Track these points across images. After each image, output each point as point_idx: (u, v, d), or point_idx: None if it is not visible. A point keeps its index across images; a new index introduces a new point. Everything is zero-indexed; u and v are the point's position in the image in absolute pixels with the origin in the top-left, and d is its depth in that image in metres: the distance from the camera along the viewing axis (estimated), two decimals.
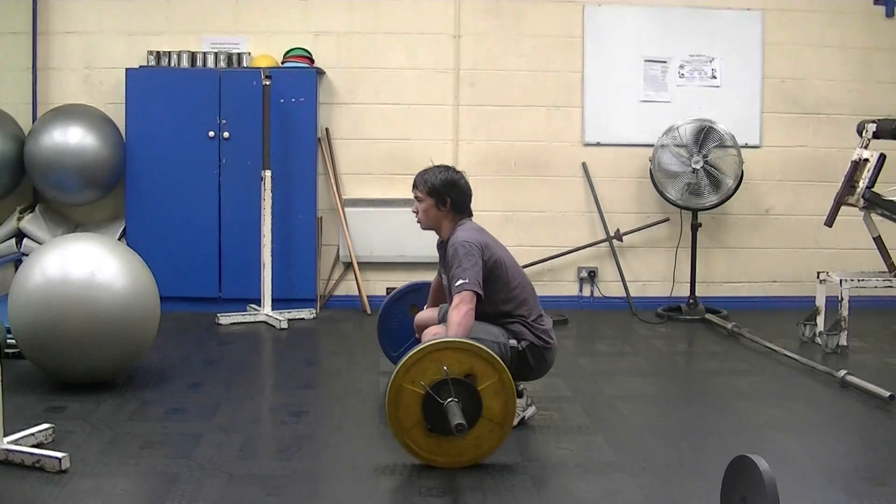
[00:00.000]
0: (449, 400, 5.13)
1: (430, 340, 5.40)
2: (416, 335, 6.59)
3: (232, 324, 9.02)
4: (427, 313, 6.61)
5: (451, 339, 5.36)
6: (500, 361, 5.29)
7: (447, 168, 6.21)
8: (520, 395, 6.03)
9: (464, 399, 5.16)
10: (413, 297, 7.15)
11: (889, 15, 10.32)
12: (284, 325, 8.90)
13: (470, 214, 6.26)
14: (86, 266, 6.48)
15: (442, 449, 5.28)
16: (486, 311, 5.90)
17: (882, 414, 6.45)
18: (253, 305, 9.29)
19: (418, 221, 6.29)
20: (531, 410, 6.17)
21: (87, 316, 6.35)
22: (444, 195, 6.09)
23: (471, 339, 5.48)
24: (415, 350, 5.26)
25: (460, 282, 5.78)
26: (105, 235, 8.61)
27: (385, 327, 7.21)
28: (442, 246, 6.28)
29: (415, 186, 6.22)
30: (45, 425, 5.54)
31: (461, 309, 5.67)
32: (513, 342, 5.98)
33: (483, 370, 5.23)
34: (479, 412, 5.21)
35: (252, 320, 9.12)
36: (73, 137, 9.17)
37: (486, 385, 5.21)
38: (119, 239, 9.29)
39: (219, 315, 9.08)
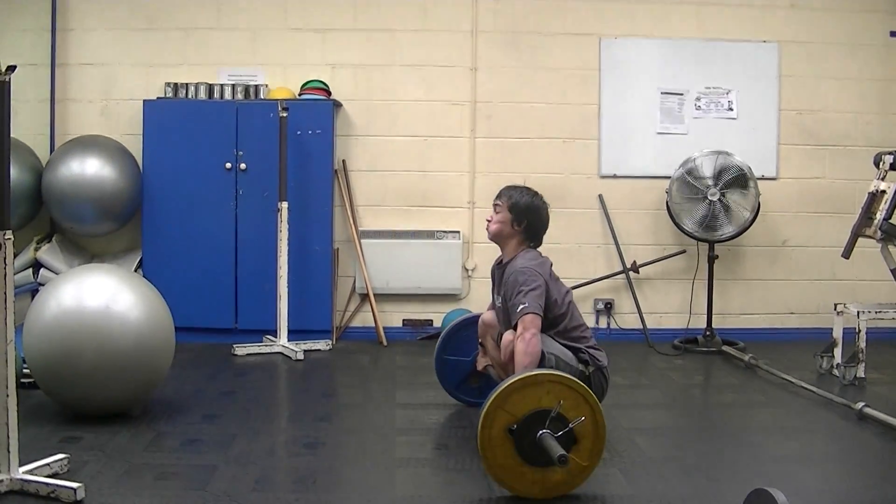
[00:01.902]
0: (542, 432, 5.17)
1: (520, 374, 5.40)
2: (480, 340, 6.75)
3: (248, 355, 9.02)
4: (489, 315, 6.69)
5: (543, 372, 5.42)
6: (594, 396, 5.34)
7: (536, 193, 6.33)
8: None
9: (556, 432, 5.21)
10: (467, 331, 7.17)
11: None
12: (300, 356, 8.89)
13: (538, 244, 6.37)
14: (101, 297, 6.49)
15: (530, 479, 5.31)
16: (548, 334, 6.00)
17: None
18: (269, 336, 9.29)
19: (487, 228, 6.40)
20: None
21: (101, 347, 6.35)
22: (523, 217, 6.22)
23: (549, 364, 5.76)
24: (506, 383, 5.28)
25: (522, 307, 5.86)
26: (121, 266, 8.64)
27: (443, 358, 7.21)
28: (499, 268, 6.38)
29: (499, 196, 6.35)
30: (61, 455, 5.54)
31: (526, 336, 5.77)
32: (581, 367, 6.08)
33: (574, 402, 5.27)
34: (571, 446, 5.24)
35: (268, 351, 9.11)
36: (91, 168, 9.21)
37: (578, 421, 5.25)
38: (136, 270, 9.32)
39: (235, 346, 9.08)
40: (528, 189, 6.36)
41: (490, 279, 6.62)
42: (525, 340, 5.73)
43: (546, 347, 5.89)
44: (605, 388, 6.25)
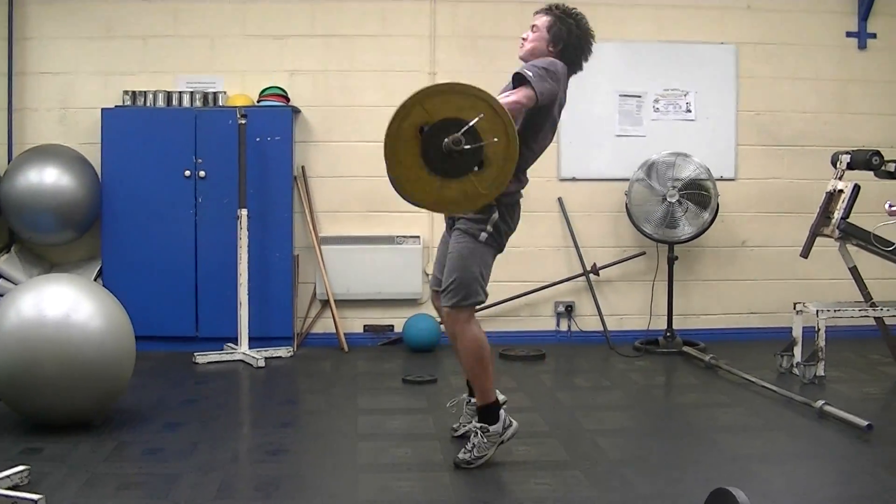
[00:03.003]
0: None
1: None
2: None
3: (209, 363, 8.99)
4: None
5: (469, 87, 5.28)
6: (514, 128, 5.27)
7: (579, 15, 6.10)
8: (496, 418, 6.02)
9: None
10: None
11: (862, 47, 10.40)
12: (262, 363, 8.87)
13: (574, 72, 6.18)
14: (61, 307, 6.46)
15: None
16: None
17: (860, 444, 6.46)
18: (230, 344, 9.27)
19: (521, 47, 6.18)
20: (512, 429, 6.13)
21: (62, 357, 6.32)
22: (561, 39, 6.01)
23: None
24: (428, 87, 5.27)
25: (528, 74, 5.73)
26: (81, 276, 8.61)
27: None
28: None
29: (537, 13, 6.14)
30: (21, 467, 5.51)
31: (512, 96, 5.63)
32: (482, 235, 5.94)
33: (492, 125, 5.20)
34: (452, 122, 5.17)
35: (229, 359, 9.08)
36: (49, 178, 9.16)
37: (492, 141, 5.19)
38: (95, 279, 9.28)
39: (196, 354, 9.04)
40: (570, 10, 6.10)
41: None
42: (508, 99, 5.57)
43: (458, 280, 5.88)
44: (510, 225, 6.11)
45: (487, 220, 5.90)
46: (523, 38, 6.17)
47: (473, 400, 6.26)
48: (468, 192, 5.25)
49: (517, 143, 5.30)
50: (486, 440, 5.94)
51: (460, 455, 5.94)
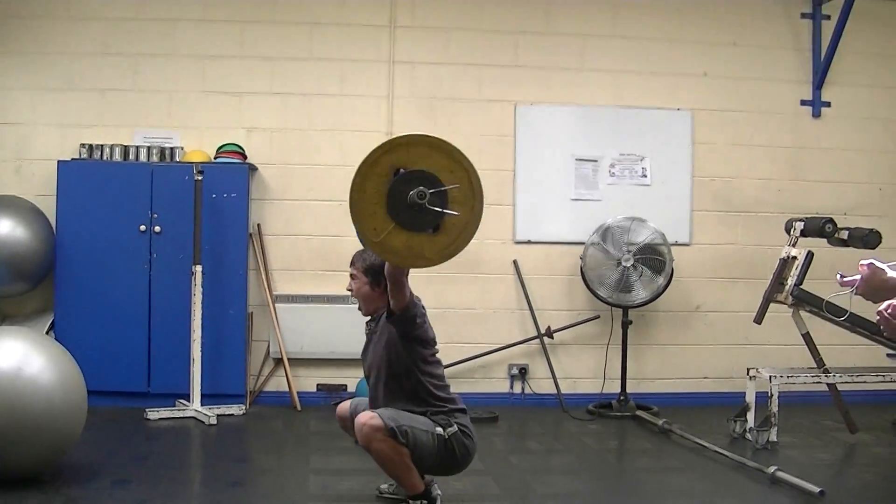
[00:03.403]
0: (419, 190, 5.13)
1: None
2: (341, 425, 6.56)
3: (160, 419, 8.91)
4: (345, 405, 6.57)
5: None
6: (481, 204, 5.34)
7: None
8: (433, 500, 5.99)
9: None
10: None
11: (816, 115, 10.53)
12: (214, 420, 8.81)
13: None
14: (11, 360, 6.38)
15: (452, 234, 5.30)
16: (413, 388, 5.97)
17: None
18: (182, 401, 9.19)
19: (352, 299, 6.35)
20: None
21: (12, 411, 6.23)
22: (380, 276, 6.03)
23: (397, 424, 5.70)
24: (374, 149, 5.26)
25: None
26: (33, 329, 8.52)
27: None
28: (372, 322, 6.29)
29: (352, 263, 6.25)
30: None
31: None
32: (439, 430, 5.93)
33: (397, 157, 5.26)
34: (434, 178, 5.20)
35: (181, 416, 9.01)
36: (3, 229, 9.09)
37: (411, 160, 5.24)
38: (48, 332, 9.20)
39: (147, 410, 8.97)
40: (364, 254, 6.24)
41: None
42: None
43: (398, 421, 5.80)
44: (469, 448, 6.09)
45: (446, 427, 5.98)
46: (349, 290, 6.34)
47: None
48: (413, 249, 5.27)
49: (477, 225, 5.36)
50: None
51: None
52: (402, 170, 5.16)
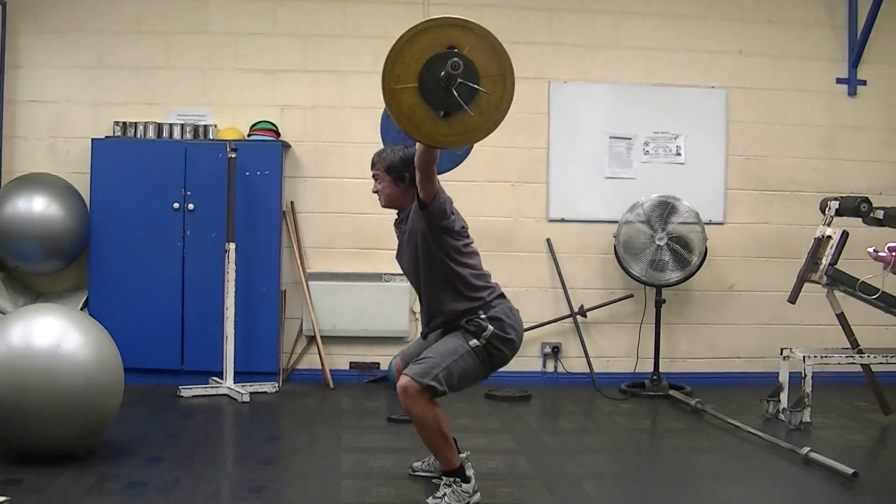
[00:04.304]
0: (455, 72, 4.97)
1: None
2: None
3: (194, 396, 8.94)
4: (398, 361, 6.53)
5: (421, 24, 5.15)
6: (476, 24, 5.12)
7: (405, 147, 6.15)
8: (468, 479, 5.97)
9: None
10: None
11: (851, 94, 10.45)
12: (246, 398, 8.83)
13: None
14: (50, 337, 6.41)
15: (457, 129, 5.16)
16: (450, 280, 5.98)
17: (845, 491, 6.42)
18: (215, 378, 9.21)
19: (379, 200, 6.26)
20: (477, 497, 6.07)
21: (50, 388, 6.26)
22: (402, 171, 6.06)
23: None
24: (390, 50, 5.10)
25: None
26: (68, 306, 8.55)
27: None
28: (401, 222, 6.26)
29: (373, 165, 6.23)
30: (1, 498, 5.46)
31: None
32: (473, 342, 5.95)
33: (461, 37, 5.07)
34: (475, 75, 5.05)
35: (214, 393, 9.04)
36: (37, 207, 9.14)
37: (470, 47, 5.05)
38: (81, 309, 9.23)
39: (181, 387, 9.00)
40: (395, 147, 6.24)
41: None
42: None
43: (430, 369, 5.79)
44: (505, 353, 6.11)
45: (481, 333, 5.94)
46: (375, 192, 6.27)
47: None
48: (415, 117, 5.08)
49: (477, 139, 5.30)
50: (456, 494, 5.90)
51: (430, 501, 5.89)
52: (456, 49, 5.07)
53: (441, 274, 5.98)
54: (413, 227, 6.01)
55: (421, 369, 5.79)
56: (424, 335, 6.31)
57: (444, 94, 4.97)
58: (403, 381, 5.79)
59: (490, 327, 5.95)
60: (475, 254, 6.18)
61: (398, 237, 6.32)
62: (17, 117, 9.80)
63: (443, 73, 4.92)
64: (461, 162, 6.77)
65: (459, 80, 4.91)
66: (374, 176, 6.22)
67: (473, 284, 6.02)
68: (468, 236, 6.15)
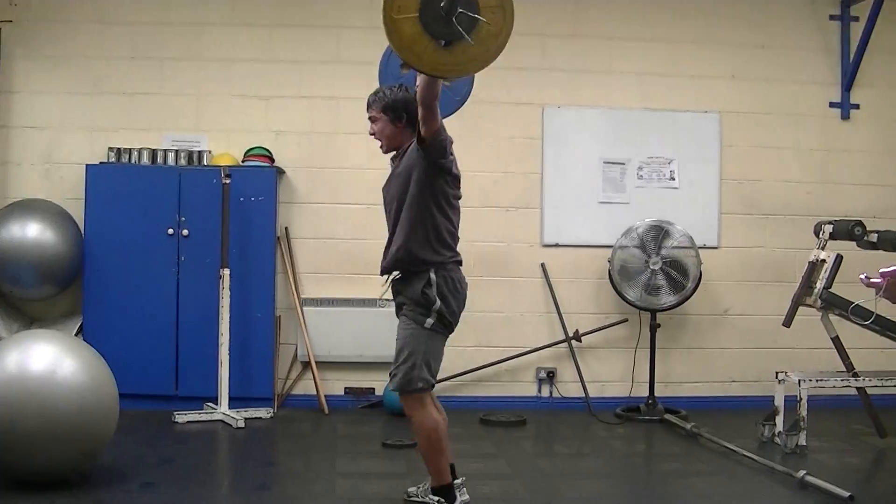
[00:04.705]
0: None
1: None
2: None
3: (188, 422, 8.93)
4: None
5: None
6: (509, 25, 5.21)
7: (401, 87, 6.17)
8: (453, 498, 5.99)
9: None
10: None
11: (844, 117, 10.48)
12: (241, 424, 8.81)
13: None
14: (45, 363, 6.40)
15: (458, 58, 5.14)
16: (425, 227, 5.99)
17: None
18: (210, 404, 9.20)
19: (381, 146, 6.29)
20: None
21: (44, 413, 6.25)
22: (400, 111, 6.08)
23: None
24: None
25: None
26: (63, 332, 8.54)
27: None
28: (396, 157, 6.26)
29: (369, 106, 6.24)
30: None
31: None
32: (428, 321, 5.99)
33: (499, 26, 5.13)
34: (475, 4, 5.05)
35: (209, 419, 9.02)
36: (32, 232, 9.14)
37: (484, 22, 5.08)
38: (76, 335, 9.22)
39: (175, 413, 8.99)
40: (391, 86, 6.24)
41: None
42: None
43: (408, 370, 5.93)
44: (454, 322, 6.12)
45: (430, 309, 5.96)
46: (371, 133, 6.29)
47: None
48: (415, 47, 5.05)
49: (479, 68, 5.30)
50: None
51: None
52: None
53: (419, 216, 5.98)
54: (408, 164, 6.02)
55: (403, 380, 5.93)
56: (382, 270, 6.29)
57: (445, 23, 4.99)
58: (403, 401, 6.03)
59: (437, 301, 5.96)
60: (458, 211, 6.18)
61: (392, 169, 6.32)
62: (11, 143, 9.81)
63: (443, 3, 4.93)
64: (459, 108, 6.71)
65: (460, 9, 4.92)
66: (370, 118, 6.23)
67: (443, 239, 6.04)
68: (459, 188, 6.16)
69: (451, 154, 6.00)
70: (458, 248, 6.17)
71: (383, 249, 6.26)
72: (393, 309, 6.31)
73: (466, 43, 5.02)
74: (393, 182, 6.20)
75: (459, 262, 6.15)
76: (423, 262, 5.97)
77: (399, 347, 6.02)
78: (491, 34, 5.11)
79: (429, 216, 5.96)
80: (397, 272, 6.15)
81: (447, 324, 6.03)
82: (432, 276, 5.94)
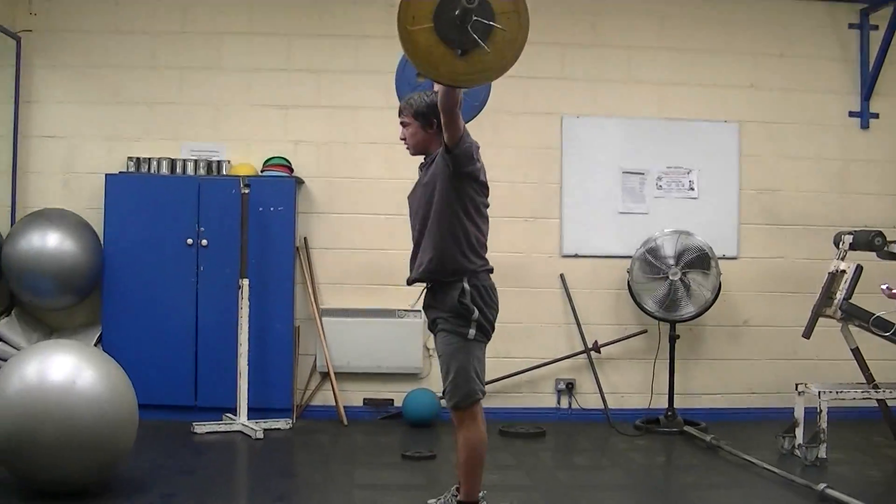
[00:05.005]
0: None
1: None
2: None
3: (207, 433, 8.93)
4: None
5: None
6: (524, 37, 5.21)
7: (433, 92, 6.09)
8: None
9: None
10: None
11: (864, 127, 10.45)
12: (260, 434, 8.81)
13: None
14: (65, 373, 6.40)
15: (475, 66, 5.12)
16: (454, 237, 5.98)
17: None
18: (229, 415, 9.20)
19: (407, 147, 6.26)
20: None
21: (64, 424, 6.25)
22: (430, 117, 6.04)
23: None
24: None
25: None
26: (82, 342, 8.55)
27: None
28: (425, 165, 6.24)
29: (400, 112, 6.21)
30: None
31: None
32: (471, 332, 5.96)
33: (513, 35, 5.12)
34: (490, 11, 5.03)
35: (228, 429, 9.02)
36: (51, 242, 9.15)
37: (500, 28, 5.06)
38: (95, 345, 9.23)
39: (194, 424, 8.98)
40: (422, 93, 6.20)
41: None
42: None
43: (457, 386, 5.94)
44: (491, 327, 6.08)
45: (469, 320, 5.93)
46: (402, 139, 6.26)
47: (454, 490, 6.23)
48: (431, 57, 5.06)
49: (494, 76, 5.27)
50: None
51: None
52: None
53: (448, 224, 5.96)
54: (436, 171, 5.99)
55: (460, 396, 5.92)
56: (409, 281, 6.29)
57: (460, 31, 4.97)
58: (456, 415, 5.96)
59: (475, 310, 5.94)
60: (487, 219, 6.20)
61: (419, 178, 6.31)
62: (31, 153, 9.84)
63: (457, 11, 4.91)
64: (478, 113, 6.71)
65: (475, 16, 4.90)
66: (402, 123, 6.21)
67: (474, 247, 6.03)
68: (487, 196, 6.17)
69: (479, 161, 6.01)
70: (486, 256, 6.16)
71: (409, 259, 6.24)
72: (410, 319, 6.30)
73: (482, 51, 5.01)
74: (419, 191, 6.19)
75: (490, 270, 6.13)
76: (456, 271, 5.95)
77: (446, 364, 5.98)
78: (507, 40, 5.10)
79: (458, 225, 5.95)
80: (428, 283, 6.12)
81: (486, 332, 6.01)
82: (465, 285, 5.92)
